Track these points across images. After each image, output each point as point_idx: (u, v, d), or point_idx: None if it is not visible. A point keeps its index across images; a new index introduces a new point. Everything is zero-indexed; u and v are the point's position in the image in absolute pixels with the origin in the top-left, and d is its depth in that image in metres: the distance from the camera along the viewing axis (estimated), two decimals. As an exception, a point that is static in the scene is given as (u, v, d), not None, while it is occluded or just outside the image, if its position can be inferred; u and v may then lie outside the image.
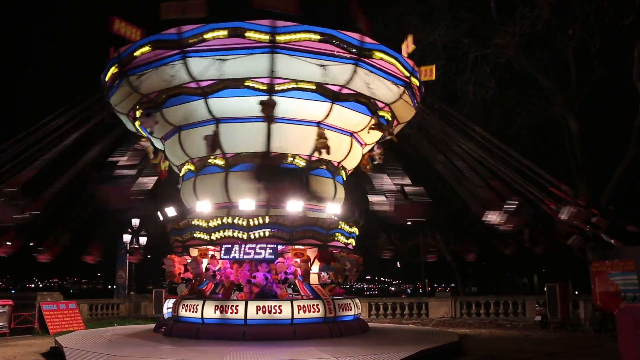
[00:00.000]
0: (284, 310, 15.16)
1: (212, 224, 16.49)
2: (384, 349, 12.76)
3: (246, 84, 15.34)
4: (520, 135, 26.54)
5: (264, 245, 16.25)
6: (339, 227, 17.39)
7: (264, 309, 15.11)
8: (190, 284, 17.46)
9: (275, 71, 14.87)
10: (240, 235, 16.19)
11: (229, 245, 16.50)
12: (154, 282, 60.41)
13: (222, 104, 16.01)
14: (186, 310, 15.98)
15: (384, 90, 16.45)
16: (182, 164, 18.21)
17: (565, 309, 20.65)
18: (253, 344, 13.77)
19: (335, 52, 14.84)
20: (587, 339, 18.01)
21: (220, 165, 17.06)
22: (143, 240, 31.36)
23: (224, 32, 14.52)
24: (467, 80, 25.03)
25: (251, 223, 16.11)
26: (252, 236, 16.13)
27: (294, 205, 16.40)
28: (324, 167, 17.51)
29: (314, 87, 15.61)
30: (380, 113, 17.30)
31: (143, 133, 18.12)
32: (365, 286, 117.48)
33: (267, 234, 16.13)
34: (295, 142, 16.81)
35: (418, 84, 17.60)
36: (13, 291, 63.12)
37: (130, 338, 15.88)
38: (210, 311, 15.42)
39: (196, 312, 15.65)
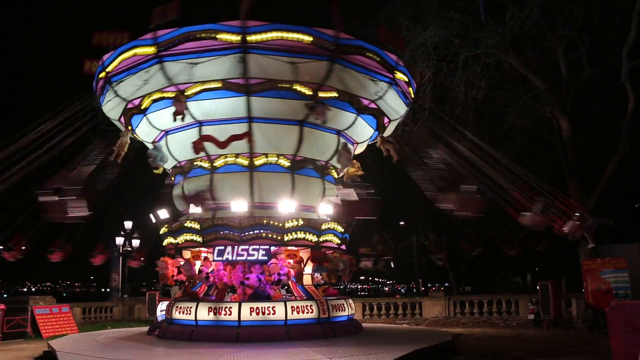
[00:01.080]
0: (278, 312, 15.17)
1: (205, 225, 16.50)
2: (377, 349, 12.80)
3: (223, 85, 15.40)
4: (510, 135, 26.66)
5: (257, 247, 16.29)
6: (332, 227, 17.40)
7: (257, 311, 15.11)
8: (184, 286, 17.44)
9: (249, 71, 14.91)
10: (233, 236, 16.21)
11: (222, 247, 16.52)
12: (147, 285, 60.21)
13: (202, 106, 16.09)
14: (180, 313, 15.97)
15: (366, 87, 16.32)
16: (172, 167, 18.26)
17: (557, 307, 20.75)
18: (247, 345, 13.80)
19: (309, 50, 14.83)
20: (580, 336, 18.13)
21: (206, 168, 17.11)
22: (136, 243, 31.31)
23: (197, 35, 14.62)
24: (458, 81, 25.11)
25: (244, 224, 16.13)
26: (245, 237, 16.14)
27: (286, 206, 16.42)
28: (311, 166, 17.46)
29: (290, 86, 15.61)
30: (369, 110, 17.26)
31: (137, 137, 18.19)
32: (359, 287, 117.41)
33: (259, 235, 16.14)
34: (278, 142, 16.77)
35: (407, 79, 17.48)
36: (5, 295, 62.74)
37: (123, 341, 15.86)
38: (203, 313, 15.42)
39: (190, 314, 15.64)
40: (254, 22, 14.70)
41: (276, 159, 16.92)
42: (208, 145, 16.53)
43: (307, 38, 14.84)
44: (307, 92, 15.81)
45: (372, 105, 17.27)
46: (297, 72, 15.05)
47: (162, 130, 17.62)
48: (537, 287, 21.78)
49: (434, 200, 16.13)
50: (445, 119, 19.31)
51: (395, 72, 16.68)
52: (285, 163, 17.01)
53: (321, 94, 15.94)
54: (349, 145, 17.72)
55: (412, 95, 18.25)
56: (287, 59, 14.85)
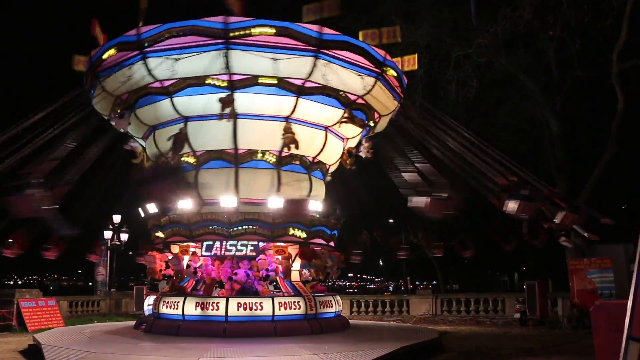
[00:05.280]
0: (265, 307, 15.17)
1: (193, 220, 16.45)
2: (364, 345, 12.82)
3: (207, 81, 15.39)
4: (501, 134, 26.77)
5: (245, 242, 16.28)
6: (321, 224, 17.40)
7: (245, 306, 15.10)
8: (171, 281, 17.40)
9: (231, 67, 14.87)
10: (221, 231, 16.18)
11: (210, 242, 16.52)
12: (135, 279, 59.96)
13: (187, 103, 16.08)
14: (167, 307, 15.93)
15: (352, 82, 16.23)
16: None
17: (544, 306, 20.90)
18: (234, 340, 13.77)
19: (292, 45, 14.78)
20: (565, 335, 18.29)
21: (191, 163, 17.11)
22: (124, 236, 31.22)
23: (180, 31, 14.57)
24: (449, 79, 25.19)
25: (232, 220, 16.09)
26: (233, 233, 16.12)
27: (275, 202, 16.40)
28: (297, 162, 17.37)
29: (275, 82, 15.55)
30: (358, 106, 17.18)
31: (128, 133, 18.14)
32: (347, 283, 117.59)
33: (248, 230, 16.13)
34: (263, 138, 16.72)
35: (396, 74, 17.34)
36: (-9, 288, 62.21)
37: (110, 335, 15.78)
38: (191, 308, 15.38)
39: (177, 308, 15.60)
40: (236, 17, 14.62)
41: (262, 155, 16.85)
42: (194, 140, 16.57)
43: (290, 33, 14.74)
44: (291, 87, 15.75)
45: (360, 101, 17.12)
46: (279, 68, 14.97)
47: (150, 126, 17.57)
48: (524, 287, 21.93)
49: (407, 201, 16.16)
50: (431, 109, 19.25)
51: (383, 67, 16.52)
52: (271, 159, 16.94)
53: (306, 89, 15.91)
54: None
55: (401, 89, 18.08)
56: (269, 54, 14.77)
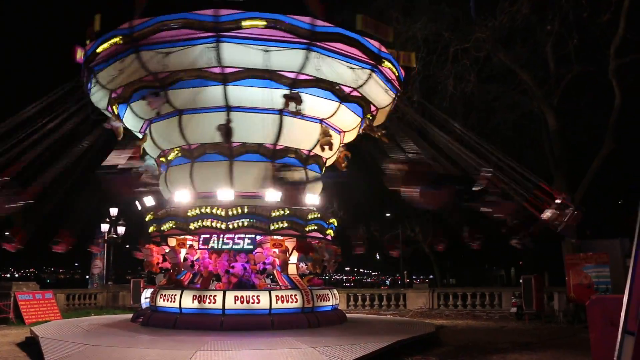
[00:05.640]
0: (262, 301, 15.20)
1: (191, 213, 16.45)
2: (361, 339, 12.85)
3: (200, 74, 15.32)
4: (498, 129, 26.79)
5: (243, 235, 16.31)
6: (318, 217, 17.42)
7: (242, 299, 15.13)
8: (169, 274, 17.41)
9: (222, 60, 14.80)
10: (218, 225, 16.19)
11: (208, 235, 16.54)
12: (132, 272, 59.96)
13: (181, 95, 16.01)
14: (164, 300, 15.94)
15: (346, 75, 16.10)
16: (157, 157, 18.17)
17: (540, 300, 20.95)
18: (231, 333, 13.80)
19: (285, 38, 14.71)
20: (561, 329, 18.37)
21: (186, 157, 17.14)
22: (121, 229, 31.22)
23: (173, 24, 14.52)
24: (447, 74, 25.16)
25: (230, 213, 16.09)
26: (230, 226, 16.13)
27: (272, 196, 16.40)
28: (292, 155, 17.28)
29: (267, 75, 15.47)
30: (353, 98, 17.08)
31: (127, 126, 18.13)
32: (344, 277, 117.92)
33: (245, 224, 16.13)
34: (257, 131, 16.61)
35: (392, 66, 17.18)
36: (-12, 281, 62.22)
37: (107, 328, 15.79)
38: (188, 301, 15.40)
39: (174, 302, 15.62)
40: (227, 10, 14.54)
41: (256, 148, 16.79)
42: (188, 133, 16.60)
43: (281, 26, 14.65)
44: (284, 80, 15.66)
45: (355, 93, 16.99)
46: (270, 61, 14.89)
47: (146, 120, 17.51)
48: (521, 281, 22.00)
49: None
50: (428, 106, 19.24)
51: (378, 59, 16.40)
52: (266, 152, 16.89)
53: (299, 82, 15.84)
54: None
55: (398, 82, 18.00)
56: (261, 47, 14.69)
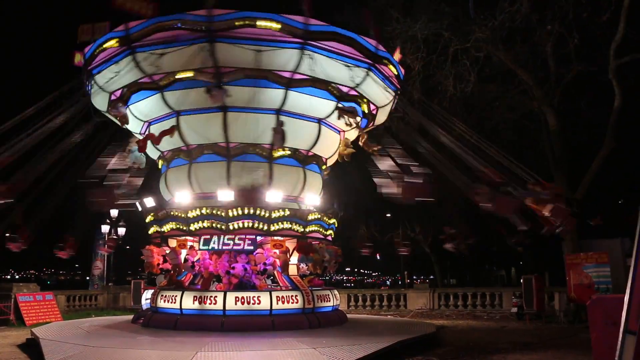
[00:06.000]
0: (263, 301, 15.19)
1: (191, 214, 16.45)
2: (361, 339, 12.84)
3: (195, 75, 15.27)
4: (498, 129, 26.78)
5: (243, 236, 16.30)
6: (318, 218, 17.41)
7: (242, 300, 15.12)
8: (169, 275, 17.39)
9: (217, 60, 14.77)
10: (219, 226, 16.19)
11: (208, 236, 16.53)
12: (132, 273, 59.99)
13: (178, 96, 16.01)
14: (165, 301, 15.93)
15: (342, 73, 15.98)
16: (157, 158, 18.18)
17: (540, 300, 20.95)
18: (232, 334, 13.79)
19: (279, 37, 14.65)
20: (561, 329, 18.37)
21: (185, 157, 17.15)
22: (122, 231, 31.21)
23: (167, 26, 14.53)
24: (447, 74, 25.15)
25: (230, 214, 16.09)
26: (231, 227, 16.12)
27: (273, 197, 16.39)
28: (290, 155, 17.28)
29: (264, 75, 15.39)
30: (352, 97, 16.98)
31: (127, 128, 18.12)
32: (345, 278, 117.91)
33: (246, 224, 16.13)
34: (254, 132, 16.58)
35: (390, 64, 17.06)
36: (-12, 282, 62.10)
37: (108, 329, 15.79)
38: (188, 302, 15.40)
39: (175, 302, 15.61)
40: (220, 10, 14.49)
41: (253, 148, 16.77)
42: (185, 134, 16.59)
43: (275, 25, 14.58)
44: (280, 80, 15.60)
45: (353, 92, 16.85)
46: (264, 61, 14.84)
47: (145, 121, 17.56)
48: (521, 281, 21.99)
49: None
50: (428, 103, 19.21)
51: (376, 57, 16.29)
52: (263, 152, 16.87)
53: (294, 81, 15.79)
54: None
55: (398, 80, 17.93)
56: (254, 47, 14.63)
